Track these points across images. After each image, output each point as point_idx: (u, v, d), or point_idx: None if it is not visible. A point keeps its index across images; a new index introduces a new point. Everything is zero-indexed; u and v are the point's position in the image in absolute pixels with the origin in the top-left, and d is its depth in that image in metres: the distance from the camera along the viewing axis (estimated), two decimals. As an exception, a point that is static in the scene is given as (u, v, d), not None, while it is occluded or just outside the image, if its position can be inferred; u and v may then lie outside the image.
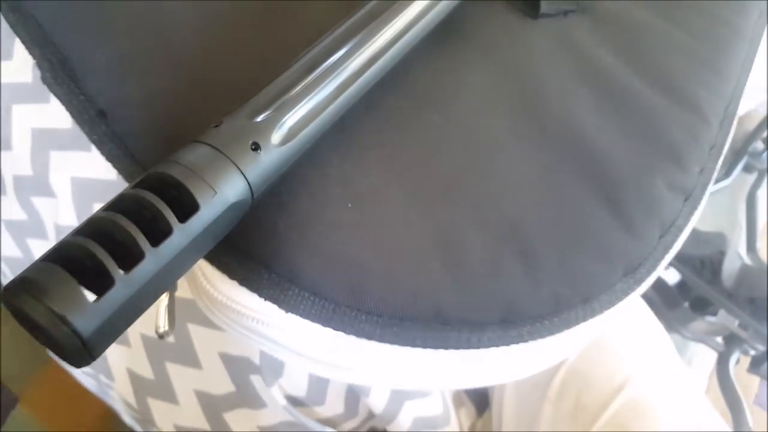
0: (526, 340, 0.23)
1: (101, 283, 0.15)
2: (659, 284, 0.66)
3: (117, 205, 0.17)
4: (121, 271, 0.15)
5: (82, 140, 0.28)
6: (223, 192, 0.17)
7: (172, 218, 0.16)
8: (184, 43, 0.25)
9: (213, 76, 0.25)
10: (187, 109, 0.24)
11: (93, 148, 0.28)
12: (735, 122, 0.33)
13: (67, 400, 0.60)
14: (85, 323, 0.15)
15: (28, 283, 0.15)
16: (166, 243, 0.16)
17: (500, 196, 0.24)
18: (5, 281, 0.40)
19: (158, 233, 0.16)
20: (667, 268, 0.68)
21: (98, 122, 0.24)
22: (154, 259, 0.16)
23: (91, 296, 0.15)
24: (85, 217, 0.29)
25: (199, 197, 0.17)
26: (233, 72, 0.25)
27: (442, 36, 0.26)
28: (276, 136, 0.19)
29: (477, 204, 0.24)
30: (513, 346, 0.23)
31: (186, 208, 0.17)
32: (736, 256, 0.62)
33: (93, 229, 0.16)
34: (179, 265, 0.17)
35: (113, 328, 0.16)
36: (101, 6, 0.26)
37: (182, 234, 0.17)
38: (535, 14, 0.29)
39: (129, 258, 0.16)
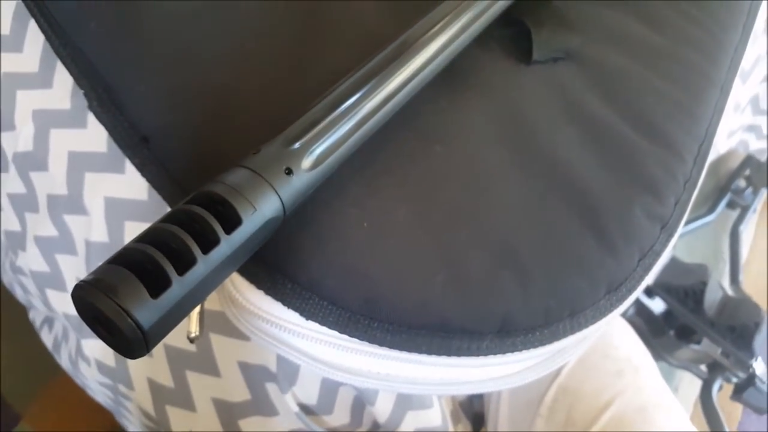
0: (519, 350, 0.26)
1: (160, 284, 0.18)
2: (646, 313, 0.69)
3: (172, 217, 0.19)
4: (177, 274, 0.18)
5: (116, 163, 0.31)
6: (262, 209, 0.20)
7: (219, 230, 0.19)
8: (220, 79, 0.29)
9: (245, 109, 0.28)
10: (220, 138, 0.27)
11: (126, 170, 0.31)
12: (708, 159, 0.36)
13: (69, 417, 0.61)
14: (146, 317, 0.17)
15: (99, 281, 0.18)
16: (215, 251, 0.19)
17: (497, 219, 0.27)
18: (29, 295, 0.42)
19: (207, 243, 0.19)
20: (653, 297, 0.70)
21: (141, 147, 0.27)
22: (204, 264, 0.19)
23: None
24: (116, 234, 0.32)
25: (242, 213, 0.20)
26: (263, 106, 0.28)
27: (444, 78, 0.30)
28: (306, 162, 0.22)
29: (477, 226, 0.27)
30: (509, 355, 0.26)
31: (230, 222, 0.20)
32: (718, 287, 0.65)
33: (152, 237, 0.19)
34: (223, 272, 0.20)
35: (167, 324, 0.19)
36: (145, 42, 0.30)
37: (228, 244, 0.19)
38: (527, 60, 0.33)
39: (182, 263, 0.19)
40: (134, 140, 0.27)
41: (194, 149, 0.27)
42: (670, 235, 0.32)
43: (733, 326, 0.62)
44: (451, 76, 0.30)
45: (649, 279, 0.31)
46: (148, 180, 0.27)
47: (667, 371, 0.68)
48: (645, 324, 0.69)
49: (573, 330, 0.27)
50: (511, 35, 0.34)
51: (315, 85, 0.25)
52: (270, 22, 0.31)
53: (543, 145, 0.30)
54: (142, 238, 0.19)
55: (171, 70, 0.29)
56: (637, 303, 0.69)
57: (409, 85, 0.26)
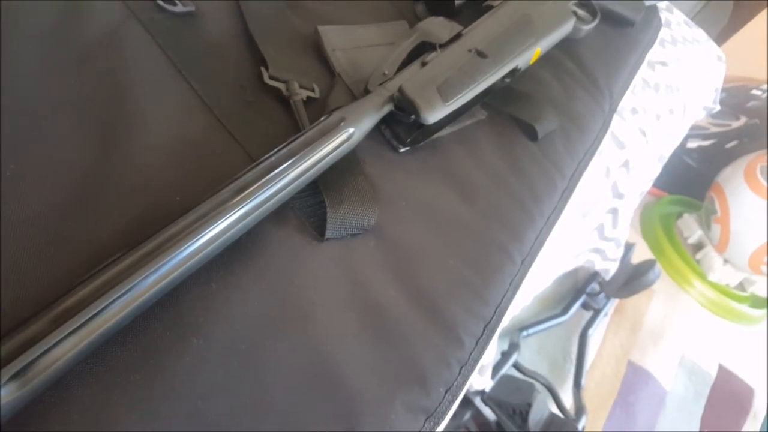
0: None
1: None
2: (481, 419, 0.71)
3: None
4: None
5: None
6: None
7: None
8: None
9: None
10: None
11: None
12: (497, 333, 0.39)
13: None
14: None
15: None
16: None
17: (246, 422, 0.27)
18: None
19: None
20: (487, 405, 0.73)
21: None
22: None
23: None
24: None
25: None
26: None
27: (224, 256, 0.30)
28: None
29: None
30: None
31: None
32: (543, 407, 0.68)
33: None
34: None
35: None
36: None
37: None
38: (321, 237, 0.33)
39: None
40: None
41: None
42: (437, 423, 0.33)
43: (554, 447, 0.65)
44: (232, 253, 0.30)
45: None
46: None
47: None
48: (479, 430, 0.71)
49: None
50: (313, 205, 0.35)
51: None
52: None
53: (314, 334, 0.31)
54: None
55: None
56: (474, 408, 0.71)
57: (162, 284, 0.26)
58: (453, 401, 0.34)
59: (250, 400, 0.27)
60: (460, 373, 0.35)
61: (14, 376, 0.21)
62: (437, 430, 0.33)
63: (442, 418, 0.33)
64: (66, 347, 0.23)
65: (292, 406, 0.28)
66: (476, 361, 0.36)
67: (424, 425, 0.32)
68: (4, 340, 0.22)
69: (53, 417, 0.24)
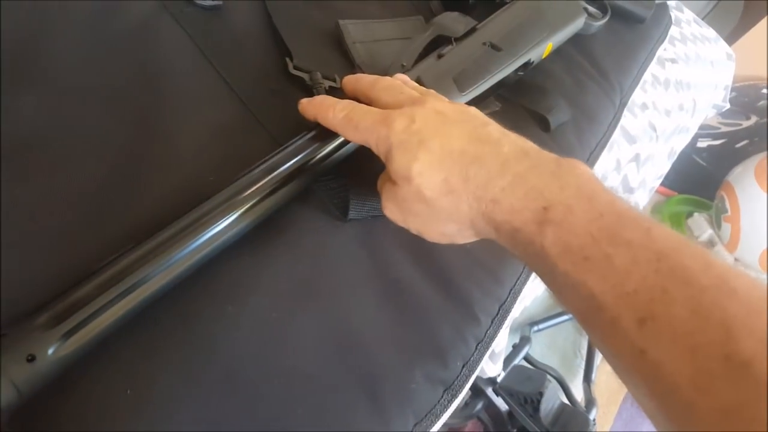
0: None
1: None
2: (493, 410, 0.72)
3: None
4: None
5: None
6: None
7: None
8: None
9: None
10: None
11: None
12: (512, 315, 0.40)
13: None
14: None
15: None
16: None
17: (273, 389, 0.29)
18: None
19: None
20: (499, 396, 0.74)
21: None
22: None
23: None
24: None
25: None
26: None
27: (256, 232, 0.31)
28: (56, 348, 0.23)
29: (248, 395, 0.28)
30: None
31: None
32: (555, 397, 0.69)
33: None
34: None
35: None
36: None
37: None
38: (344, 218, 0.35)
39: None
40: None
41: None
42: (454, 396, 0.34)
43: (565, 435, 0.66)
44: (263, 230, 0.32)
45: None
46: None
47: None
48: (491, 420, 0.72)
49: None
50: (336, 188, 0.36)
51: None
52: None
53: (338, 306, 0.32)
54: None
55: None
56: (486, 399, 0.72)
57: (199, 255, 0.27)
58: (469, 375, 0.35)
59: (279, 365, 0.29)
60: (476, 349, 0.36)
61: (66, 334, 0.23)
62: (454, 402, 0.35)
63: (459, 391, 0.35)
64: (112, 311, 0.25)
65: (318, 371, 0.30)
66: (491, 339, 0.37)
67: (442, 396, 0.34)
68: (57, 301, 0.24)
69: (96, 375, 0.26)
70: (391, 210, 0.31)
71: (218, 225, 0.28)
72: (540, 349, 0.99)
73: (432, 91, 0.34)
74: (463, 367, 0.35)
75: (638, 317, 0.20)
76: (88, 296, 0.24)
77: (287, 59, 0.41)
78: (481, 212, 0.26)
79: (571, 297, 0.23)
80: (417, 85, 0.36)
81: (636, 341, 0.20)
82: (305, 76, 0.40)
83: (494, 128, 0.29)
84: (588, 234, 0.22)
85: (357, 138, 0.30)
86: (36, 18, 0.35)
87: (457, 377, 0.34)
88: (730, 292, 0.19)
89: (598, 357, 1.00)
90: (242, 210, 0.29)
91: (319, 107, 0.32)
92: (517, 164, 0.26)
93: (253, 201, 0.30)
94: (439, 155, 0.27)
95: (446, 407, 0.34)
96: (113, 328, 0.25)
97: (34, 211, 0.29)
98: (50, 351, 0.22)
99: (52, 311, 0.23)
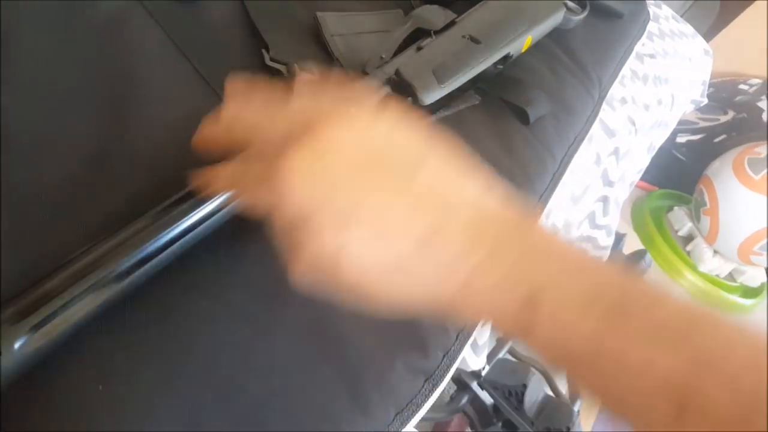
0: None
1: None
2: (479, 404, 0.73)
3: None
4: None
5: None
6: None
7: None
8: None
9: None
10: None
11: None
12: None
13: None
14: None
15: None
16: None
17: (254, 382, 0.28)
18: None
19: None
20: (484, 389, 0.74)
21: None
22: None
23: None
24: None
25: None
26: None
27: (232, 224, 0.31)
28: (23, 342, 0.22)
29: (227, 392, 0.27)
30: None
31: None
32: (539, 389, 0.70)
33: None
34: None
35: None
36: None
37: None
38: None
39: None
40: None
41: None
42: (435, 385, 0.34)
43: (549, 428, 0.67)
44: (239, 224, 0.32)
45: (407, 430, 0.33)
46: None
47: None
48: (476, 413, 0.73)
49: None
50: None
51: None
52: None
53: (316, 299, 0.32)
54: None
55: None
56: (471, 393, 0.73)
57: (172, 248, 0.27)
58: (450, 365, 0.35)
59: (257, 358, 0.29)
60: (457, 338, 0.36)
61: (33, 328, 0.23)
62: (435, 391, 0.35)
63: (440, 380, 0.35)
64: (82, 304, 0.24)
65: (297, 365, 0.30)
66: (472, 328, 0.38)
67: (423, 386, 0.33)
68: (25, 294, 0.23)
69: (68, 371, 0.25)
70: None
71: (192, 216, 0.28)
72: (524, 343, 0.99)
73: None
74: (444, 356, 0.35)
75: None
76: (56, 289, 0.23)
77: (263, 51, 0.40)
78: None
79: None
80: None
81: None
82: (282, 68, 0.40)
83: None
84: None
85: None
86: (3, 10, 0.34)
87: (438, 367, 0.34)
88: None
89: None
90: (213, 204, 0.29)
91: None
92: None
93: (226, 194, 0.29)
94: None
95: (427, 397, 0.34)
96: (84, 321, 0.24)
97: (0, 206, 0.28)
98: (16, 346, 0.22)
99: (18, 305, 0.23)
